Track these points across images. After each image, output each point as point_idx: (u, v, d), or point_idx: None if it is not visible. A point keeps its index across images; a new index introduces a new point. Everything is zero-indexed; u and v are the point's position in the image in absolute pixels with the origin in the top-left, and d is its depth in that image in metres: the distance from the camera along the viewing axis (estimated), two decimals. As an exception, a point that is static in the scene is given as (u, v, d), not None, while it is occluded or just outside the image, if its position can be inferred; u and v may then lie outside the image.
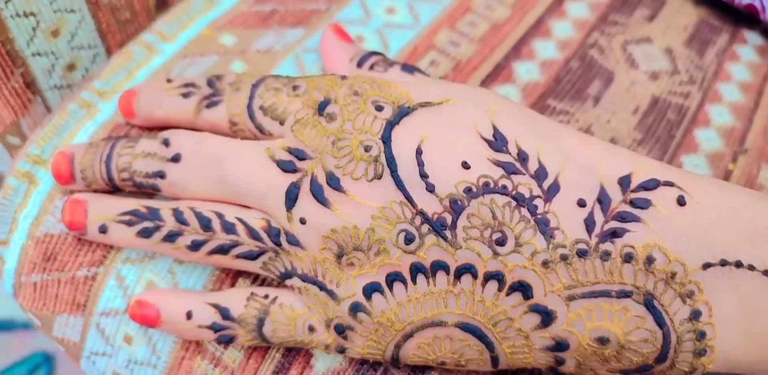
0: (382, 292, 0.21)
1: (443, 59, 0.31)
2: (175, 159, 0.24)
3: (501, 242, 0.20)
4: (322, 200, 0.21)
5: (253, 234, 0.23)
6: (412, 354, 0.22)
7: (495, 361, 0.21)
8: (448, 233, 0.20)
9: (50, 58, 0.33)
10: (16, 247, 0.28)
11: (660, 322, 0.19)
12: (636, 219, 0.20)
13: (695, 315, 0.19)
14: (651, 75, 0.31)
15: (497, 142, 0.21)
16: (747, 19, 0.35)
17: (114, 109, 0.29)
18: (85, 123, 0.29)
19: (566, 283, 0.20)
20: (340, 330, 0.22)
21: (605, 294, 0.19)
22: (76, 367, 0.30)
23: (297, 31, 0.31)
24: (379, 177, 0.21)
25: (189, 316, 0.24)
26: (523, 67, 0.31)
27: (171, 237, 0.24)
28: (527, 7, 0.33)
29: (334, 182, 0.21)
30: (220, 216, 0.23)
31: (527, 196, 0.20)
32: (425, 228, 0.20)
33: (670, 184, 0.20)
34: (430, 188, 0.20)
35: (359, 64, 0.27)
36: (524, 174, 0.20)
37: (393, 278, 0.21)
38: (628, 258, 0.19)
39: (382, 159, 0.21)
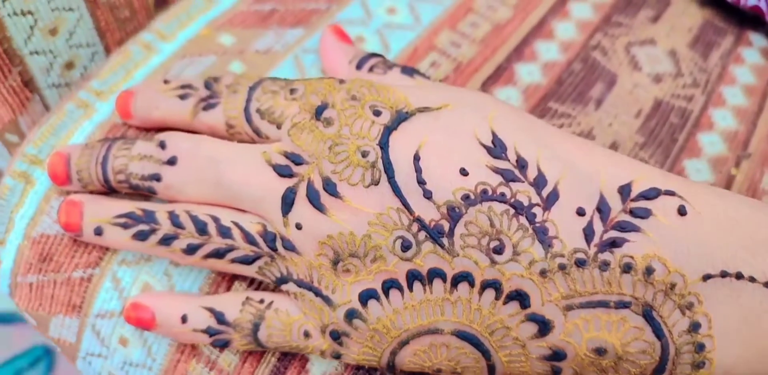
0: (378, 298, 0.21)
1: (444, 60, 0.30)
2: (171, 162, 0.24)
3: (498, 250, 0.20)
4: (318, 206, 0.21)
5: (248, 238, 0.23)
6: (408, 361, 0.22)
7: (491, 369, 0.21)
8: (445, 241, 0.20)
9: (48, 56, 0.33)
10: (12, 247, 0.28)
11: (659, 333, 0.19)
12: (636, 229, 0.19)
13: (694, 327, 0.19)
14: (654, 78, 0.31)
15: (496, 149, 0.21)
16: (752, 20, 0.34)
17: (111, 109, 0.29)
18: (83, 123, 0.29)
19: (564, 292, 0.19)
20: (336, 336, 0.22)
21: (603, 304, 0.19)
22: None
23: (296, 31, 0.31)
24: (376, 183, 0.21)
25: (184, 319, 0.24)
26: (524, 68, 0.30)
27: (166, 240, 0.23)
28: (530, 8, 0.33)
29: (330, 188, 0.21)
30: (215, 220, 0.23)
31: (526, 204, 0.20)
32: (422, 235, 0.20)
33: (671, 194, 0.20)
34: (428, 195, 0.20)
35: (358, 66, 0.26)
36: (523, 181, 0.20)
37: (389, 285, 0.21)
38: (627, 268, 0.19)
39: (380, 165, 0.21)
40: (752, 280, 0.19)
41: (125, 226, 0.24)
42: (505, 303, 0.20)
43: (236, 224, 0.23)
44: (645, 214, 0.19)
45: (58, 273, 0.27)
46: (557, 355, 0.20)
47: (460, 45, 0.31)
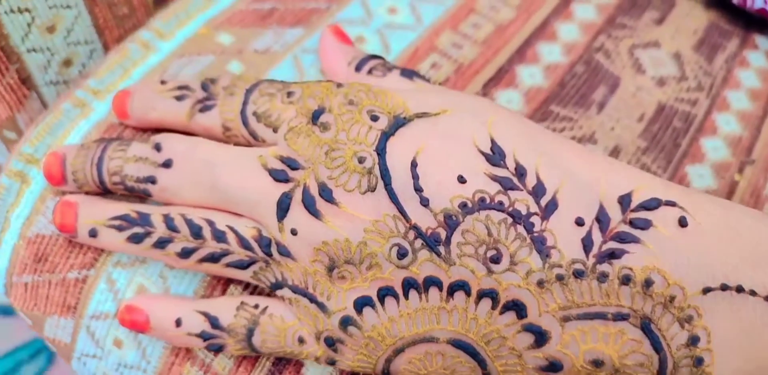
0: (373, 306, 0.21)
1: (445, 62, 0.30)
2: (167, 164, 0.23)
3: (496, 260, 0.19)
4: (313, 212, 0.21)
5: (243, 243, 0.22)
6: (403, 368, 0.22)
7: (487, 378, 0.21)
8: (441, 249, 0.20)
9: (46, 54, 0.32)
10: (7, 246, 0.28)
11: (657, 346, 0.19)
12: (635, 240, 0.19)
13: (693, 340, 0.19)
14: (658, 81, 0.30)
15: (495, 156, 0.20)
16: (759, 23, 0.34)
17: (108, 108, 0.29)
18: (79, 122, 0.29)
19: (561, 303, 0.19)
20: (330, 343, 0.22)
21: (601, 316, 0.19)
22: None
23: (296, 31, 0.30)
24: (372, 189, 0.20)
25: (178, 323, 0.23)
26: (526, 71, 0.30)
27: (161, 243, 0.23)
28: (533, 9, 0.32)
29: (326, 194, 0.21)
30: (210, 224, 0.23)
31: (524, 213, 0.20)
32: (418, 243, 0.20)
33: (672, 204, 0.19)
34: (425, 202, 0.20)
35: (357, 68, 0.26)
36: (521, 190, 0.20)
37: (385, 293, 0.21)
38: (625, 280, 0.19)
39: (376, 171, 0.20)
40: (753, 293, 0.18)
41: (120, 229, 0.24)
42: (501, 313, 0.20)
43: (231, 228, 0.23)
44: (645, 225, 0.19)
45: (53, 273, 0.27)
46: (554, 366, 0.20)
47: (462, 46, 0.30)
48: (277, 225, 0.22)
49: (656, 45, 0.32)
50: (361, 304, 0.21)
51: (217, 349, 0.23)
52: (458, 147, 0.21)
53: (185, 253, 0.23)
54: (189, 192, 0.23)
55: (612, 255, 0.19)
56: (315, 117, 0.22)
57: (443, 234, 0.20)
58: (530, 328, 0.19)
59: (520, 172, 0.20)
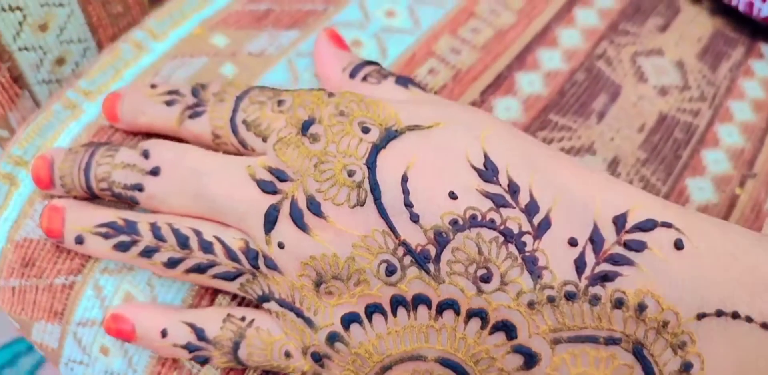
0: (360, 323, 0.20)
1: (442, 67, 0.29)
2: (154, 172, 0.23)
3: (486, 279, 0.19)
4: (301, 225, 0.20)
5: (230, 255, 0.22)
6: (391, 385, 0.21)
7: (475, 398, 0.21)
8: (431, 266, 0.19)
9: (38, 52, 0.32)
10: (-6, 250, 0.27)
11: (649, 372, 0.18)
12: (629, 262, 0.18)
13: (686, 367, 0.18)
14: (660, 90, 0.30)
15: (487, 172, 0.20)
16: (765, 31, 0.33)
17: (99, 109, 0.28)
18: (69, 124, 0.28)
19: (552, 325, 0.19)
20: (317, 358, 0.21)
21: (592, 339, 0.18)
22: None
23: (291, 34, 0.30)
24: (361, 204, 0.20)
25: (164, 334, 0.23)
26: (525, 78, 0.29)
27: (147, 253, 0.23)
28: (534, 13, 0.31)
29: (314, 207, 0.20)
30: (198, 234, 0.22)
31: (516, 231, 0.19)
32: (407, 260, 0.20)
33: (668, 226, 0.19)
34: (415, 218, 0.19)
35: (352, 75, 0.25)
36: (514, 208, 0.19)
37: (372, 310, 0.20)
38: (618, 304, 0.18)
39: (366, 185, 0.20)
40: (749, 320, 0.18)
41: (106, 236, 0.23)
42: (491, 333, 0.19)
43: (218, 239, 0.22)
44: (640, 247, 0.19)
45: (40, 279, 0.27)
46: (543, 389, 0.19)
47: (460, 51, 0.30)
48: (264, 237, 0.21)
49: (659, 52, 0.31)
50: (348, 320, 0.20)
51: (203, 361, 0.23)
52: (450, 162, 0.20)
53: (171, 263, 0.23)
54: (176, 201, 0.23)
55: (605, 277, 0.18)
56: (305, 128, 0.21)
57: (433, 251, 0.19)
58: (520, 350, 0.19)
59: (513, 189, 0.20)
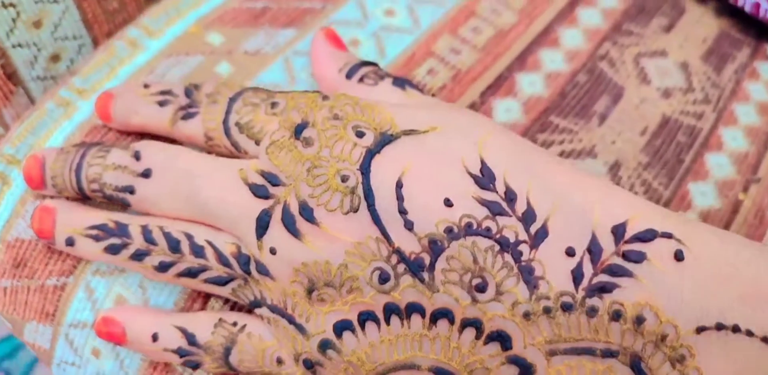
0: (353, 330, 0.20)
1: (442, 68, 0.29)
2: (146, 174, 0.23)
3: (481, 289, 0.19)
4: (293, 231, 0.20)
5: (222, 259, 0.22)
6: (384, 394, 0.21)
7: (469, 408, 0.20)
8: (425, 275, 0.19)
9: (32, 49, 0.32)
10: (-14, 249, 0.27)
11: (646, 386, 0.18)
12: (628, 274, 0.18)
13: (685, 381, 0.18)
14: (663, 92, 0.29)
15: (484, 179, 0.19)
16: (772, 32, 0.32)
17: (93, 108, 0.28)
18: (62, 123, 0.28)
19: (548, 337, 0.18)
20: (309, 365, 0.21)
21: (589, 351, 0.18)
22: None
23: (288, 32, 0.29)
24: (355, 210, 0.19)
25: (155, 338, 0.23)
26: (526, 79, 0.29)
27: (138, 256, 0.22)
28: (536, 13, 0.31)
29: (307, 213, 0.20)
30: (189, 237, 0.22)
31: (512, 240, 0.19)
32: (401, 268, 0.19)
33: (668, 236, 0.18)
34: (409, 225, 0.19)
35: (348, 76, 0.25)
36: (511, 216, 0.19)
37: (365, 317, 0.20)
38: (616, 316, 0.18)
39: (360, 191, 0.19)
40: (749, 334, 0.17)
41: (97, 239, 0.23)
42: (485, 343, 0.19)
43: (210, 244, 0.22)
44: (639, 258, 0.18)
45: (31, 279, 0.26)
46: (538, 401, 0.19)
47: (460, 51, 0.29)
48: (256, 242, 0.21)
49: (663, 54, 0.30)
50: (340, 328, 0.20)
51: (195, 366, 0.23)
52: (446, 168, 0.20)
53: (162, 267, 0.22)
54: (167, 204, 0.22)
55: (603, 289, 0.18)
56: (297, 131, 0.21)
57: (427, 259, 0.19)
58: (515, 361, 0.19)
59: (510, 196, 0.19)
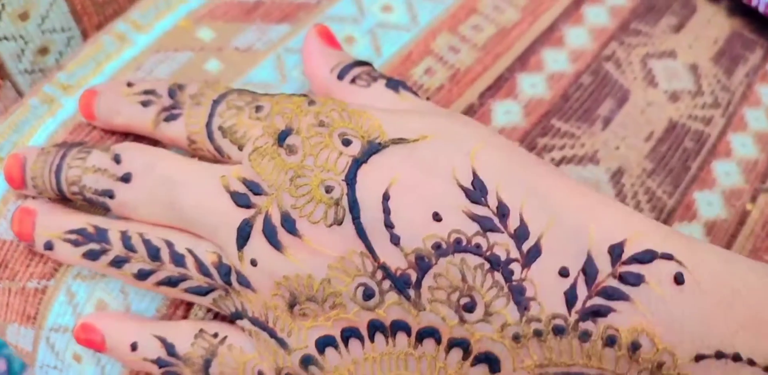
0: (336, 347, 0.19)
1: (440, 67, 0.28)
2: (125, 179, 0.22)
3: (469, 308, 0.18)
4: (275, 243, 0.19)
5: (202, 269, 0.21)
6: (368, 411, 0.20)
7: (456, 429, 0.19)
8: (411, 292, 0.18)
9: (19, 42, 0.31)
10: (-32, 249, 0.26)
11: (640, 416, 0.17)
12: (624, 297, 0.17)
13: (681, 412, 0.17)
14: (671, 95, 0.28)
15: (475, 192, 0.18)
16: (786, 33, 0.31)
17: (77, 105, 0.27)
18: (46, 120, 0.27)
19: (538, 361, 0.17)
20: (291, 380, 0.20)
21: (581, 378, 0.17)
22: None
23: (281, 28, 0.28)
24: (339, 223, 0.19)
25: (134, 347, 0.22)
26: (527, 80, 0.28)
27: (117, 263, 0.22)
28: (540, 10, 0.30)
29: (289, 224, 0.19)
30: (169, 245, 0.21)
31: (503, 258, 0.18)
32: (386, 284, 0.18)
33: (669, 257, 0.17)
34: (395, 240, 0.18)
35: (340, 76, 0.24)
36: (502, 232, 0.18)
37: (349, 334, 0.19)
38: (610, 342, 0.17)
39: (344, 203, 0.19)
40: (751, 363, 0.16)
41: (76, 244, 0.22)
42: (473, 364, 0.18)
43: (191, 252, 0.21)
44: (636, 280, 0.17)
45: (12, 281, 0.26)
46: (527, 426, 0.18)
47: (459, 50, 0.28)
48: (236, 253, 0.20)
49: (672, 55, 0.29)
50: (323, 344, 0.19)
51: (175, 377, 0.22)
52: (436, 180, 0.19)
53: (142, 275, 0.21)
54: (147, 209, 0.22)
55: (597, 312, 0.17)
56: (281, 138, 0.20)
57: (413, 276, 0.18)
58: (503, 384, 0.18)
59: (503, 211, 0.18)
